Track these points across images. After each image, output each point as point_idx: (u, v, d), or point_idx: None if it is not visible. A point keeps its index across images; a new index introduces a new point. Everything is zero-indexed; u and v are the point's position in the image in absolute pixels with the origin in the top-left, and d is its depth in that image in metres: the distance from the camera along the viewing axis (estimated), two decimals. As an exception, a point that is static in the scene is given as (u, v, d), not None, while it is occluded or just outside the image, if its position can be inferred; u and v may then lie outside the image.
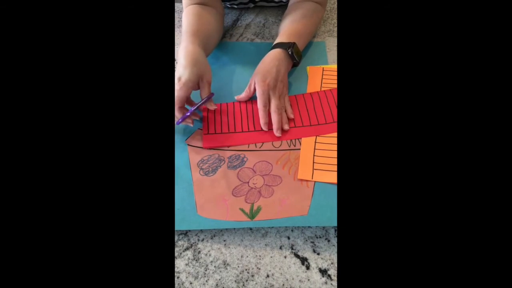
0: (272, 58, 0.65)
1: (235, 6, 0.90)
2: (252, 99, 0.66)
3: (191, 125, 0.62)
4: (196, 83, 0.59)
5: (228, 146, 0.60)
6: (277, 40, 0.70)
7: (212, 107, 0.62)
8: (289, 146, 0.59)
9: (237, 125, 0.62)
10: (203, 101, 0.60)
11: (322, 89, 0.68)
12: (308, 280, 0.45)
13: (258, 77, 0.63)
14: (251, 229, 0.50)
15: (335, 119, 0.62)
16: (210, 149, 0.59)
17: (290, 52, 0.66)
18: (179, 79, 0.58)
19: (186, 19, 0.70)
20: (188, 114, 0.59)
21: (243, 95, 0.66)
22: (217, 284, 0.45)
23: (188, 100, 0.61)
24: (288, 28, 0.72)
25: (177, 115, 0.59)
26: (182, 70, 0.58)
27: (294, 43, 0.67)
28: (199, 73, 0.59)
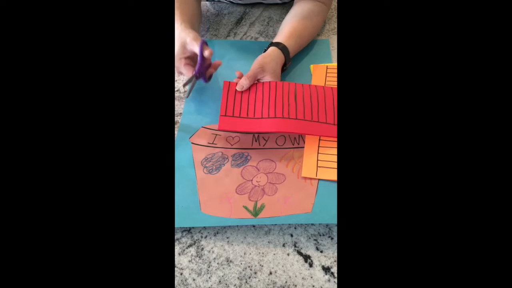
0: (270, 54, 0.68)
1: (240, 2, 0.90)
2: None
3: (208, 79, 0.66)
4: (181, 51, 0.63)
5: (241, 132, 0.61)
6: (275, 40, 0.71)
7: (207, 51, 0.63)
8: (293, 144, 0.59)
9: (257, 111, 0.62)
10: (200, 49, 0.62)
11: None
12: (311, 277, 0.45)
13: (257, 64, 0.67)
14: (254, 226, 0.50)
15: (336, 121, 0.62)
16: (224, 131, 0.61)
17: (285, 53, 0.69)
18: None
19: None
20: (199, 63, 0.62)
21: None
22: (220, 281, 0.45)
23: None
24: (286, 29, 0.73)
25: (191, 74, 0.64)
26: None
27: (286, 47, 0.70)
28: (180, 42, 0.63)
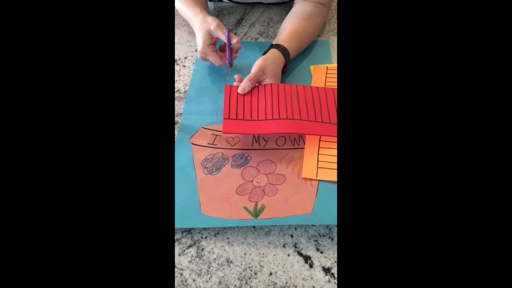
0: (270, 56, 0.69)
1: (240, 1, 0.90)
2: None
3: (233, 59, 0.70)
4: (208, 38, 0.67)
5: (245, 134, 0.61)
6: (275, 41, 0.71)
7: (234, 40, 0.66)
8: (293, 145, 0.59)
9: (260, 113, 0.62)
10: (227, 39, 0.67)
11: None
12: (311, 278, 0.45)
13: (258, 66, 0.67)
14: (254, 227, 0.50)
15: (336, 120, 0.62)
16: (228, 134, 0.61)
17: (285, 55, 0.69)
18: None
19: None
20: (228, 52, 0.67)
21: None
22: (220, 282, 0.45)
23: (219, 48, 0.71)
24: (286, 31, 0.73)
25: (220, 61, 0.69)
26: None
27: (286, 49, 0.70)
28: (205, 29, 0.67)
